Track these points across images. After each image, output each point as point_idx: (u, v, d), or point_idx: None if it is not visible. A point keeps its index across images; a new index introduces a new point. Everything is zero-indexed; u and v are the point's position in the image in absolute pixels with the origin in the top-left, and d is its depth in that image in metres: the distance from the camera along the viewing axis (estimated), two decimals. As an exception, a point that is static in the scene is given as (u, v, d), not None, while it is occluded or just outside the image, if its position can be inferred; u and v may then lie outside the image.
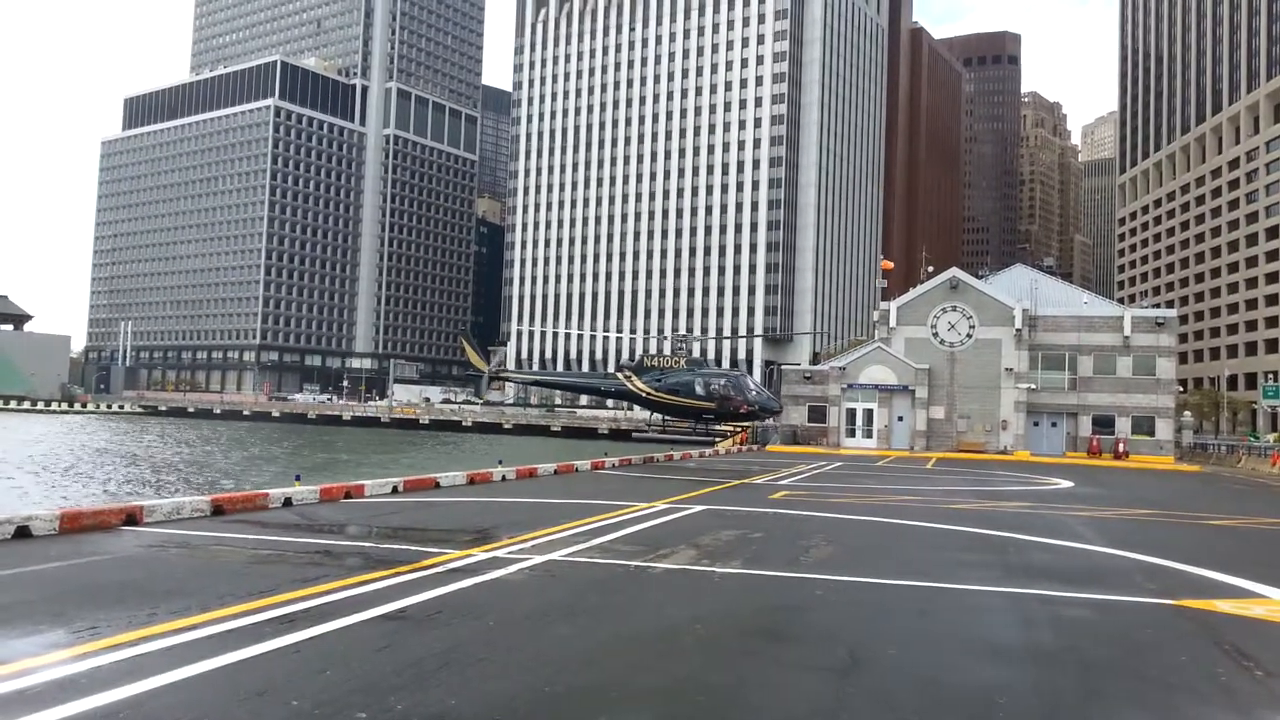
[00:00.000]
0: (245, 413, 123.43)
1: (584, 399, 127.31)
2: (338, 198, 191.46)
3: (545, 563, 10.53)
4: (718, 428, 32.20)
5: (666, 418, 33.29)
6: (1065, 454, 56.12)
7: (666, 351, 33.55)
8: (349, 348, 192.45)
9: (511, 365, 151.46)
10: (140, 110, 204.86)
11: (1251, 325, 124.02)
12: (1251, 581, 10.77)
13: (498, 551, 11.15)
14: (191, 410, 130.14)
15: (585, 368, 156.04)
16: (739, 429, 34.34)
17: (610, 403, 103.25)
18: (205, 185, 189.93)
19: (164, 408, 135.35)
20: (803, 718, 5.48)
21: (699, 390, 30.81)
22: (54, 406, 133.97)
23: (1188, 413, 74.06)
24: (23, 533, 11.24)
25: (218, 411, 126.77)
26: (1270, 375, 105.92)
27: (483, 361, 39.70)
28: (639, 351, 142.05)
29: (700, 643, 7.31)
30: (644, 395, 32.04)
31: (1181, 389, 77.32)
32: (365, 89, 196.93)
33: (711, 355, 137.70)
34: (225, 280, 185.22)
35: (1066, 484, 30.13)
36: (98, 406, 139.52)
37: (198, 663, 6.02)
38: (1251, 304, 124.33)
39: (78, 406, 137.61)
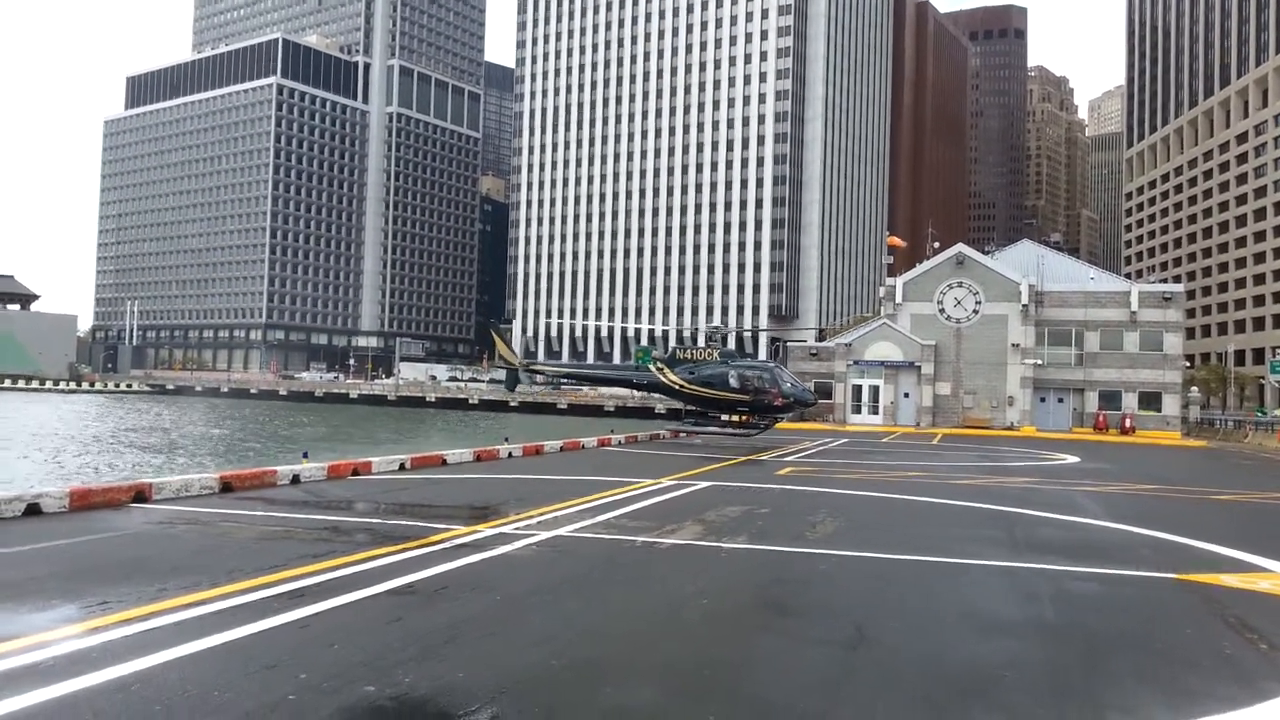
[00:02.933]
0: (253, 391, 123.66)
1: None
2: (341, 176, 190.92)
3: (552, 538, 10.57)
4: (751, 420, 32.26)
5: (700, 410, 33.56)
6: (1071, 429, 56.09)
7: (700, 343, 33.86)
8: (354, 326, 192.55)
9: (517, 344, 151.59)
10: (143, 89, 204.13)
11: (1259, 300, 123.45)
12: (1257, 556, 10.78)
13: (504, 527, 11.20)
14: (199, 389, 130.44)
15: (591, 348, 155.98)
16: (774, 420, 34.43)
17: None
18: (209, 164, 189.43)
19: (171, 386, 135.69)
20: (810, 691, 5.51)
21: (733, 383, 30.74)
22: (61, 386, 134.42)
23: (1194, 388, 73.88)
24: (33, 510, 11.32)
25: (225, 390, 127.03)
26: (1277, 349, 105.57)
27: (514, 355, 39.44)
28: (644, 333, 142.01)
29: (706, 617, 7.35)
30: (676, 388, 32.06)
31: (1188, 364, 77.12)
32: (368, 66, 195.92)
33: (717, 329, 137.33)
34: (230, 259, 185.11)
35: (1072, 459, 30.12)
36: (105, 385, 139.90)
37: (207, 637, 6.07)
38: (1259, 279, 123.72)
39: (85, 386, 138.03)
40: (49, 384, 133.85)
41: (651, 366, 32.99)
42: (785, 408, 31.82)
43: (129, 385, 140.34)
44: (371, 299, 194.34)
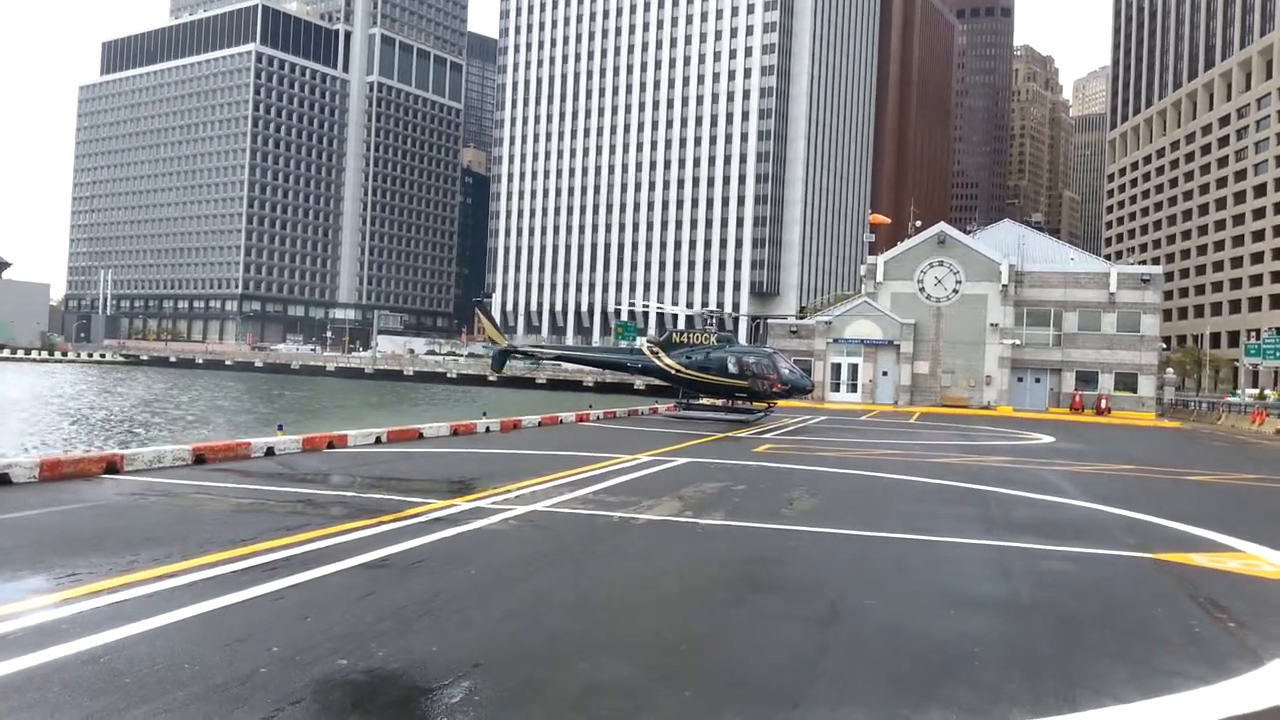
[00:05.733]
0: (228, 363, 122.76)
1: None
2: (320, 145, 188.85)
3: (528, 513, 10.55)
4: (745, 405, 32.21)
5: (696, 395, 33.47)
6: (1048, 410, 56.58)
7: (696, 326, 33.80)
8: (332, 298, 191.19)
9: (496, 318, 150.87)
10: (119, 54, 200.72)
11: (1236, 283, 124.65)
12: (1227, 536, 10.90)
13: (481, 501, 11.17)
14: (173, 360, 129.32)
15: (570, 323, 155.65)
16: (771, 406, 34.48)
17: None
18: (186, 132, 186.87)
19: (146, 357, 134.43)
20: (784, 666, 5.52)
21: (731, 368, 30.56)
22: (34, 355, 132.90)
23: (1170, 369, 74.63)
24: (2, 480, 11.18)
25: (200, 361, 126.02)
26: (1253, 333, 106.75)
27: (501, 336, 38.92)
28: (624, 310, 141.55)
29: (683, 593, 7.36)
30: (673, 372, 31.77)
31: (1164, 346, 77.85)
32: (348, 35, 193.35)
33: (697, 309, 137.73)
34: (207, 229, 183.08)
35: (1048, 439, 30.39)
36: (78, 355, 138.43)
37: (179, 609, 6.01)
38: (1237, 262, 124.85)
39: (58, 355, 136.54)
40: (20, 353, 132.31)
41: (646, 350, 32.75)
42: (783, 394, 31.84)
43: (102, 355, 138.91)
44: (350, 271, 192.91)
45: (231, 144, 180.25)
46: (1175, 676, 5.61)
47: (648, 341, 34.17)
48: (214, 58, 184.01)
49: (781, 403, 44.28)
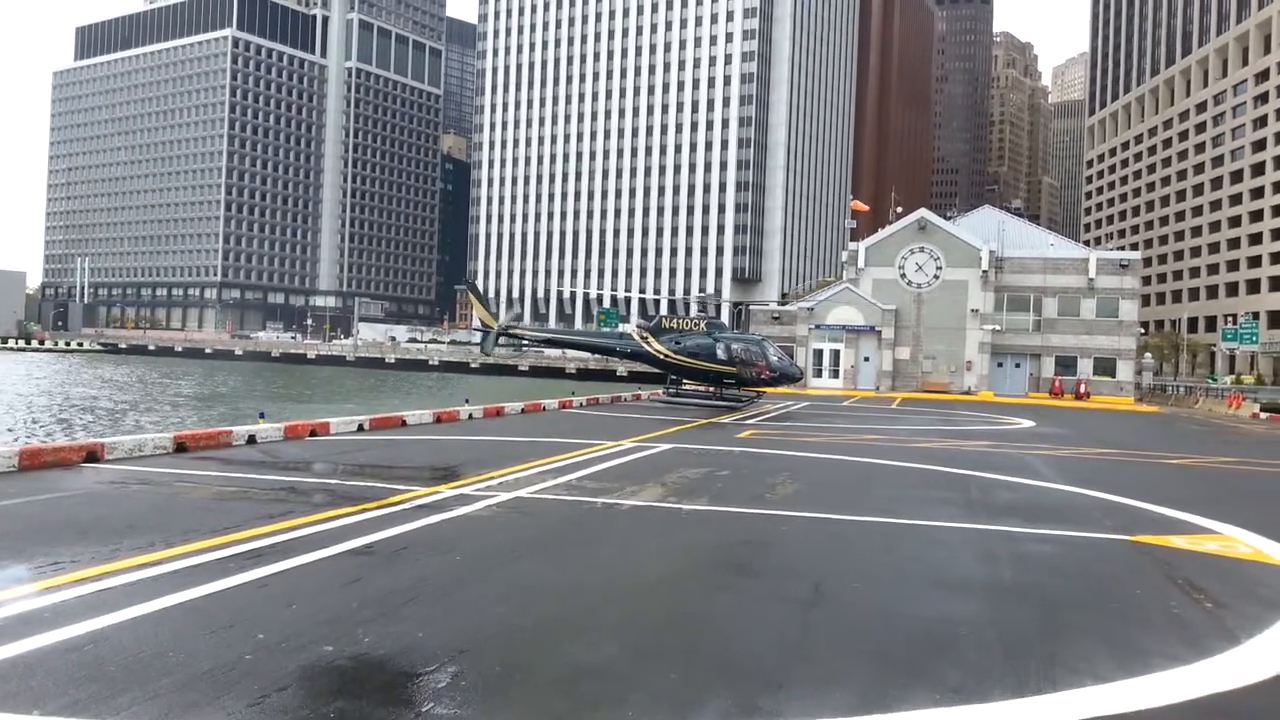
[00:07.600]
0: (207, 351, 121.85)
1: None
2: (299, 132, 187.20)
3: (512, 500, 10.55)
4: (734, 392, 32.25)
5: (684, 381, 33.48)
6: (1028, 394, 57.01)
7: (679, 312, 33.83)
8: (312, 286, 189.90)
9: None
10: (93, 39, 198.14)
11: (1213, 269, 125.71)
12: (1205, 518, 11.03)
13: (465, 488, 11.15)
14: (152, 348, 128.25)
15: (553, 310, 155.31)
16: (759, 393, 34.57)
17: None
18: (162, 118, 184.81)
19: (124, 346, 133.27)
20: (770, 649, 5.56)
21: (720, 354, 30.58)
22: (10, 344, 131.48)
23: (1148, 354, 75.31)
24: (-20, 470, 11.08)
25: (179, 350, 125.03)
26: (1230, 318, 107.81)
27: (492, 318, 38.05)
28: (607, 296, 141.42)
29: (667, 577, 7.38)
30: (662, 357, 31.74)
31: (1143, 331, 78.45)
32: (326, 19, 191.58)
33: (679, 295, 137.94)
34: (184, 216, 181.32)
35: (1028, 424, 30.62)
36: (55, 344, 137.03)
37: (162, 597, 5.98)
38: (1214, 248, 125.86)
39: (35, 344, 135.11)
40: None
41: (635, 335, 32.72)
42: (772, 381, 31.90)
43: (80, 344, 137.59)
44: (330, 258, 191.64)
45: (209, 130, 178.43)
46: (1155, 656, 5.68)
47: (638, 327, 34.19)
48: (190, 43, 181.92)
49: (764, 388, 44.48)
